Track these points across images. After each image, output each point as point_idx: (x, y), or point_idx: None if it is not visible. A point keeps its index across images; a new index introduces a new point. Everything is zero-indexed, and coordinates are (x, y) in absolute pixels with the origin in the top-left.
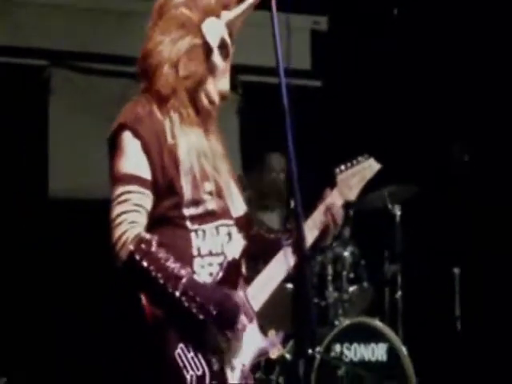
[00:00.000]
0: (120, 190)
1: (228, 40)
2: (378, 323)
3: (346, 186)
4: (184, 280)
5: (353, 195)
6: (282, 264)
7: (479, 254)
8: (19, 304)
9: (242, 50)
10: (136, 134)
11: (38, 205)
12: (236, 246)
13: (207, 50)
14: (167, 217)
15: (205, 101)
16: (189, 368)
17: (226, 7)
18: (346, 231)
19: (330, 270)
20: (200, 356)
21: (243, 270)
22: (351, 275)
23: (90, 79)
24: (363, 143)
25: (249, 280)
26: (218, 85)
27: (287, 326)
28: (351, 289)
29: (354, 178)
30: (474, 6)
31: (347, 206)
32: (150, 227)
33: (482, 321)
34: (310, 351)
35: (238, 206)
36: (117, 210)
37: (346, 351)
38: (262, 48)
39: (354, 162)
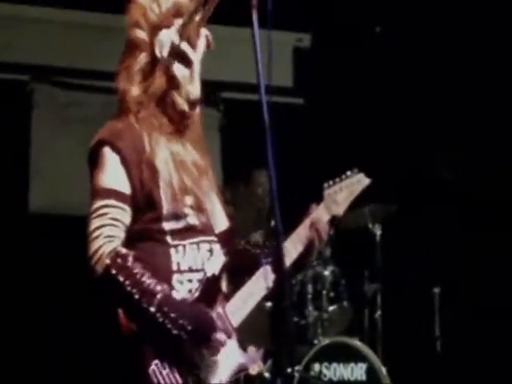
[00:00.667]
0: (98, 203)
1: (183, 47)
2: (357, 343)
3: (332, 200)
4: (159, 296)
5: (340, 210)
6: (262, 280)
7: (459, 274)
8: None
9: (224, 66)
10: (115, 149)
11: (18, 220)
12: (216, 262)
13: (158, 63)
14: (147, 231)
15: (172, 111)
16: None
17: (179, 15)
18: (327, 250)
19: (310, 288)
20: (176, 372)
21: (223, 286)
22: (331, 294)
23: (72, 95)
24: (346, 161)
25: (231, 295)
26: (185, 93)
27: (268, 344)
28: (331, 308)
29: (342, 192)
30: (454, 28)
31: (333, 221)
32: (131, 242)
33: (462, 341)
34: (288, 370)
35: (221, 221)
36: (94, 223)
37: (325, 370)
38: (244, 65)
39: (343, 176)
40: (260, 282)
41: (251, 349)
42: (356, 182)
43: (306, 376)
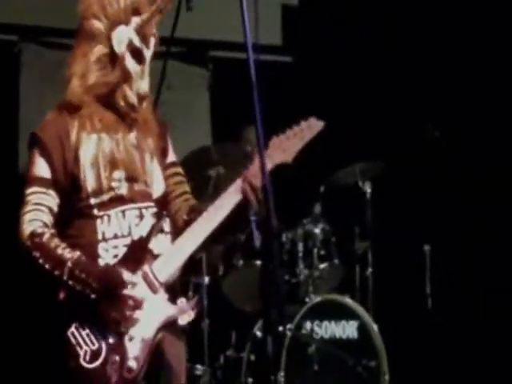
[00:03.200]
0: (25, 191)
1: (138, 45)
2: (348, 300)
3: (277, 149)
4: (69, 263)
5: (288, 157)
6: (191, 237)
7: (450, 231)
8: None
9: (212, 25)
10: (38, 141)
11: (8, 181)
12: (145, 225)
13: (115, 57)
14: (77, 210)
15: (122, 103)
16: (82, 344)
17: (137, 13)
18: (317, 208)
19: (300, 246)
20: (96, 331)
21: (152, 246)
22: (322, 252)
23: (61, 54)
24: (334, 119)
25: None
26: (135, 87)
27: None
28: (322, 266)
29: (290, 140)
30: None
31: (318, 182)
32: (67, 222)
33: (453, 298)
34: (280, 328)
35: (159, 187)
36: (21, 210)
37: (316, 328)
38: (233, 23)
39: (294, 126)
40: (189, 239)
41: (181, 300)
42: (306, 128)
43: (297, 334)
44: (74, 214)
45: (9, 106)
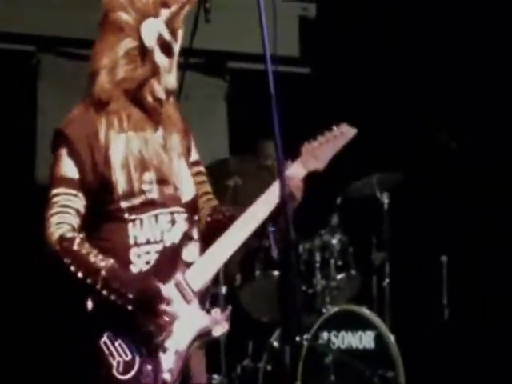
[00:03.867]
0: (51, 193)
1: (168, 38)
2: (365, 311)
3: (310, 156)
4: (103, 272)
5: (320, 164)
6: (224, 244)
7: (467, 242)
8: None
9: (230, 36)
10: (65, 139)
11: (26, 192)
12: (177, 231)
13: (145, 51)
14: (106, 211)
15: (150, 98)
16: (115, 355)
17: (166, 5)
18: (334, 219)
19: (317, 257)
20: (129, 342)
21: (183, 253)
22: (339, 263)
23: (79, 65)
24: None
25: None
26: (163, 82)
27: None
28: (339, 276)
29: (322, 147)
30: None
31: (335, 193)
32: (95, 224)
33: (470, 309)
34: (297, 339)
35: (188, 190)
36: (47, 212)
37: (333, 339)
38: (250, 35)
39: (326, 132)
40: (222, 246)
41: (215, 310)
42: (339, 135)
43: (314, 344)
44: (103, 217)
45: (27, 116)
